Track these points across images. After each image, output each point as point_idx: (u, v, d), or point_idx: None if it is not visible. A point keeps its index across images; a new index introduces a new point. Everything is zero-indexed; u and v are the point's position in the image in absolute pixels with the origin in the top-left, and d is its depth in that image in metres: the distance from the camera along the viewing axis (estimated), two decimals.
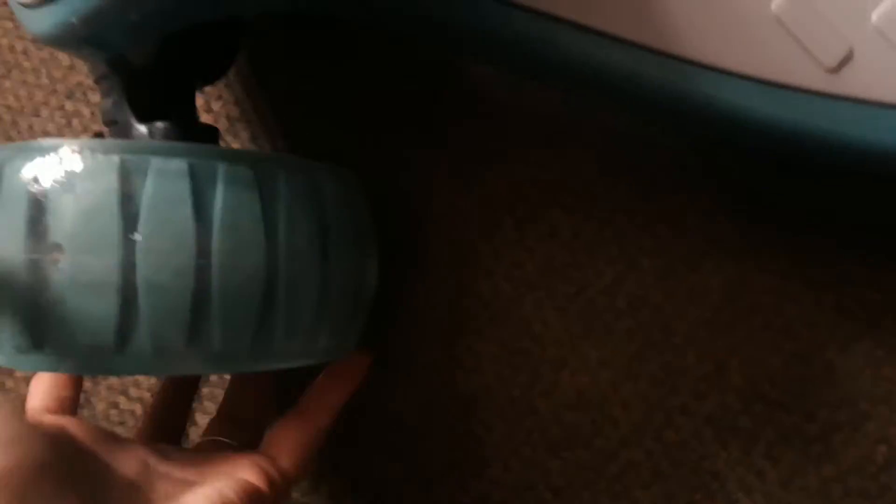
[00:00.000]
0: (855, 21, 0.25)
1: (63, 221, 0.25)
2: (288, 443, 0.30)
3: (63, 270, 0.25)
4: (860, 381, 0.34)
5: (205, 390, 0.39)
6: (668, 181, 0.36)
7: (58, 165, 0.26)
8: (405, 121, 0.37)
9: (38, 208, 0.25)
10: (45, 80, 0.40)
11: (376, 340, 0.36)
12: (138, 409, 0.39)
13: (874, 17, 0.25)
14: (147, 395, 0.39)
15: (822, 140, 0.26)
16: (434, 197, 0.37)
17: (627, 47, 0.26)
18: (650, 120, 0.33)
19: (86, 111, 0.40)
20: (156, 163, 0.26)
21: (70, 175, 0.25)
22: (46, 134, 0.40)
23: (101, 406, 0.39)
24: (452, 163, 0.37)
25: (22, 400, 0.31)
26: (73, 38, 0.26)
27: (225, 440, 0.32)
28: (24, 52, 0.40)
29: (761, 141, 0.28)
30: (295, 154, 0.38)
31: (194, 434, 0.38)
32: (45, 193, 0.25)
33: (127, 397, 0.39)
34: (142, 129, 0.29)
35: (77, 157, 0.26)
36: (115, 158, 0.25)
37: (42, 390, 0.31)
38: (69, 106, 0.40)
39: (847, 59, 0.26)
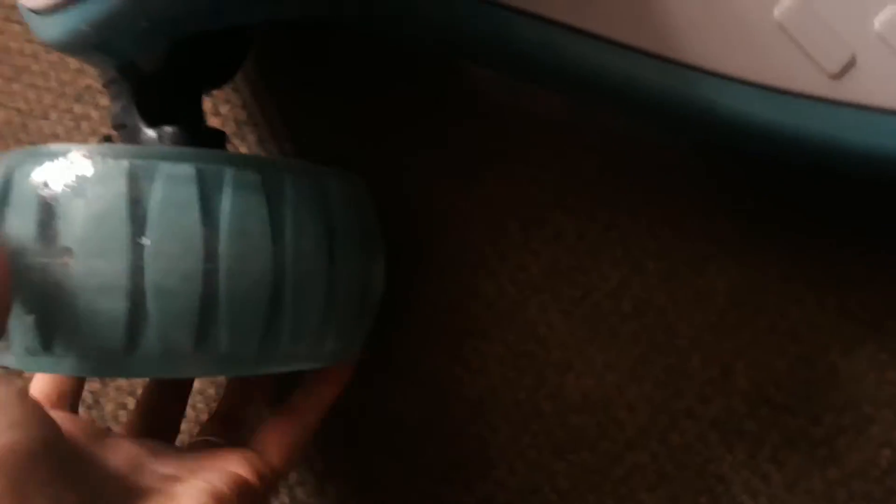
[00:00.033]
0: (857, 27, 0.26)
1: (73, 225, 0.26)
2: (276, 439, 0.31)
3: (72, 274, 0.25)
4: (864, 385, 0.34)
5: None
6: (672, 184, 0.36)
7: (67, 170, 0.26)
8: (408, 124, 0.37)
9: (48, 212, 0.26)
10: (54, 84, 0.41)
11: (381, 343, 0.37)
12: None
13: (876, 23, 0.26)
14: None
15: (825, 146, 0.27)
16: (438, 200, 0.37)
17: (630, 52, 0.27)
18: (653, 124, 0.33)
19: (94, 114, 0.40)
20: (164, 168, 0.26)
21: (80, 180, 0.26)
22: (55, 136, 0.41)
23: (109, 407, 0.40)
24: (457, 166, 0.37)
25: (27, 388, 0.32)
26: (83, 45, 0.26)
27: (216, 439, 0.32)
28: (34, 56, 0.41)
29: (764, 146, 0.28)
30: (302, 157, 0.38)
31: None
32: (54, 198, 0.26)
33: (135, 398, 0.39)
34: (150, 133, 0.29)
35: (87, 161, 0.26)
36: (125, 163, 0.26)
37: (45, 383, 0.32)
38: (78, 109, 0.40)
39: (850, 66, 0.26)
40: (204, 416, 0.39)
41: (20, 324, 0.26)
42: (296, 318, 0.28)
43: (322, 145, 0.38)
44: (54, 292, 0.26)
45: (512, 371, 0.37)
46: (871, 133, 0.26)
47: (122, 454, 0.28)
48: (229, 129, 0.39)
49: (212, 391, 0.39)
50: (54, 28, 0.27)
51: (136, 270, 0.25)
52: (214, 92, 0.38)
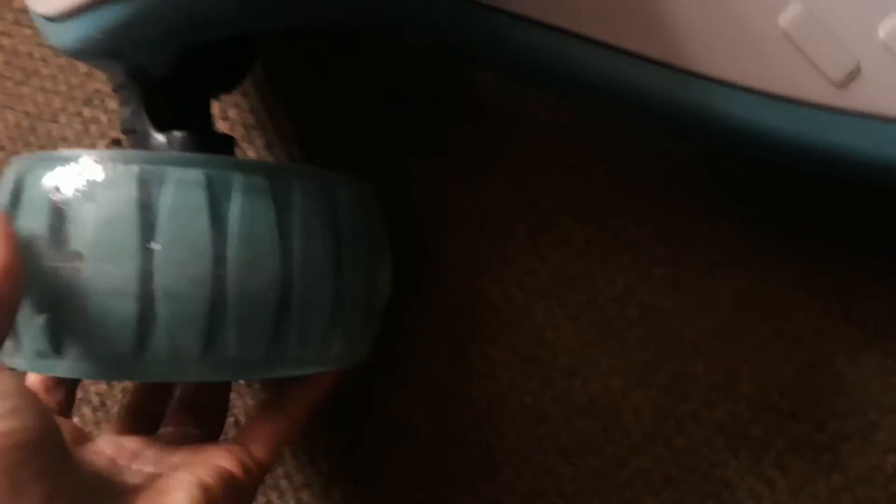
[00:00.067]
0: (862, 36, 0.26)
1: (83, 230, 0.26)
2: (263, 433, 0.31)
3: (82, 278, 0.26)
4: (869, 391, 0.35)
5: None
6: (678, 190, 0.36)
7: (78, 175, 0.27)
8: (416, 129, 0.38)
9: (58, 217, 0.26)
10: (63, 87, 0.41)
11: (388, 348, 0.37)
12: None
13: (881, 32, 0.26)
14: None
15: (830, 154, 0.27)
16: (445, 205, 0.38)
17: (636, 61, 0.27)
18: (659, 131, 0.34)
19: (103, 118, 0.41)
20: (173, 173, 0.26)
21: (90, 184, 0.26)
22: (64, 140, 0.41)
23: (115, 409, 0.40)
24: (464, 171, 0.38)
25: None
26: (95, 51, 0.27)
27: (192, 430, 0.33)
28: (43, 59, 0.41)
29: (769, 154, 0.28)
30: (309, 162, 0.39)
31: None
32: (65, 202, 0.26)
33: None
34: (160, 138, 0.30)
35: (97, 166, 0.27)
36: (135, 168, 0.26)
37: (32, 384, 0.32)
38: (87, 112, 0.41)
39: (854, 74, 0.26)
40: None
41: (30, 326, 0.27)
42: (303, 321, 0.28)
43: (330, 150, 0.39)
44: (64, 296, 0.26)
45: (518, 375, 0.37)
46: (875, 141, 0.26)
47: (104, 456, 0.29)
48: (238, 134, 0.39)
49: None
50: (66, 34, 0.27)
51: (146, 274, 0.26)
52: (223, 96, 0.39)
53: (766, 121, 0.27)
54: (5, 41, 0.41)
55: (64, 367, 0.27)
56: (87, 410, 0.40)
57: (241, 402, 0.39)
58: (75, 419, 0.40)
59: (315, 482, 0.39)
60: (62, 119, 0.41)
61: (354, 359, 0.32)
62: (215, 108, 0.39)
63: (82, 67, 0.41)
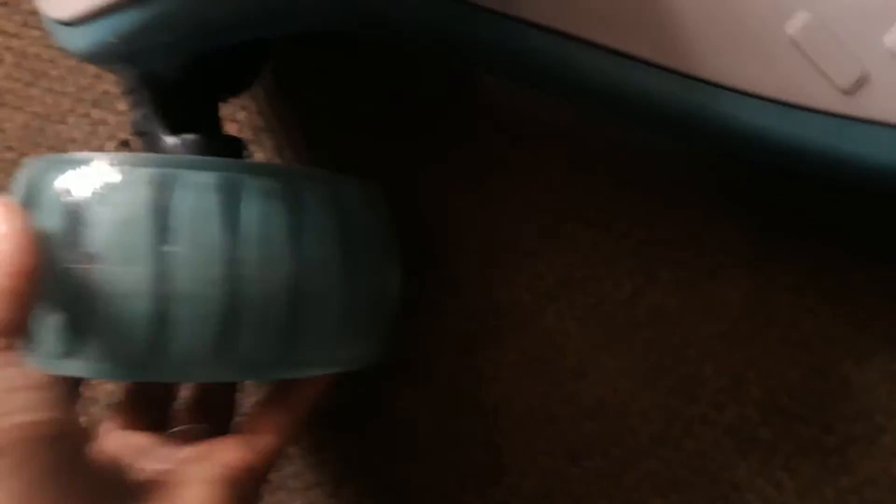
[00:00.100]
0: (869, 43, 0.26)
1: (98, 232, 0.27)
2: (270, 425, 0.31)
3: (97, 280, 0.26)
4: (876, 395, 0.35)
5: None
6: (685, 195, 0.37)
7: (92, 178, 0.27)
8: (424, 132, 0.38)
9: (73, 219, 0.27)
10: (71, 89, 0.42)
11: (397, 350, 0.38)
12: None
13: (886, 40, 0.26)
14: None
15: (837, 160, 0.27)
16: (453, 208, 0.38)
17: (644, 66, 0.28)
18: (667, 136, 0.34)
19: (112, 119, 0.41)
20: (186, 176, 0.27)
21: (104, 187, 0.27)
22: (72, 141, 0.42)
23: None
24: (473, 174, 0.38)
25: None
26: (109, 56, 0.28)
27: (199, 427, 0.33)
28: (51, 61, 0.42)
29: (776, 159, 0.29)
30: (318, 165, 0.39)
31: None
32: (80, 205, 0.27)
33: None
34: (171, 141, 0.30)
35: (111, 169, 0.27)
36: (148, 171, 0.27)
37: None
38: (95, 114, 0.42)
39: (862, 81, 0.27)
40: None
41: (44, 328, 0.27)
42: (315, 324, 0.29)
43: (336, 152, 0.39)
44: (78, 297, 0.27)
45: (526, 377, 0.38)
46: (882, 147, 0.27)
47: (110, 453, 0.29)
48: (246, 136, 0.39)
49: None
50: (81, 39, 0.28)
51: (160, 277, 0.26)
52: (233, 99, 0.39)
53: (773, 127, 0.27)
54: (14, 43, 0.42)
55: (77, 368, 0.28)
56: (95, 410, 0.41)
57: (248, 399, 0.39)
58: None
59: (323, 482, 0.40)
60: (70, 120, 0.42)
61: (366, 360, 0.32)
62: (224, 110, 0.39)
63: (91, 69, 0.41)
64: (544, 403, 0.38)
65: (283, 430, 0.31)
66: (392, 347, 0.34)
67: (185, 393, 0.36)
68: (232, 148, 0.32)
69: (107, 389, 0.41)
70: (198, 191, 0.27)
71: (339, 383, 0.33)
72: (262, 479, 0.30)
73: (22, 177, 0.29)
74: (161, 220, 0.27)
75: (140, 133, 0.31)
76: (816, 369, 0.36)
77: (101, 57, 0.28)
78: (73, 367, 0.28)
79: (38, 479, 0.24)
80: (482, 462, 0.38)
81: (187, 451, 0.30)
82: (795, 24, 0.27)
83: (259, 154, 0.40)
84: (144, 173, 0.27)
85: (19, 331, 0.26)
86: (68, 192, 0.27)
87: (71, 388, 0.32)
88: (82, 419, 0.38)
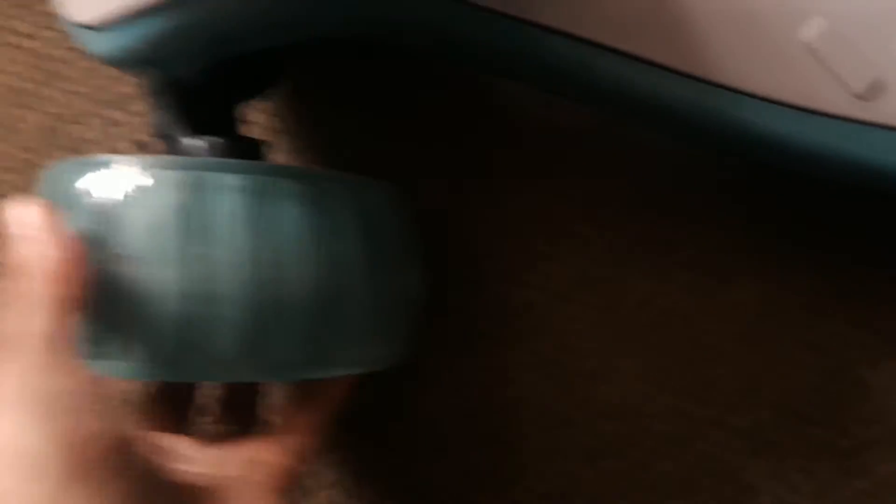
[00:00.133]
0: (883, 48, 0.27)
1: (128, 234, 0.27)
2: (301, 424, 0.32)
3: (127, 281, 0.27)
4: (892, 398, 0.36)
5: None
6: (700, 198, 0.37)
7: (122, 180, 0.28)
8: (438, 135, 0.39)
9: (103, 221, 0.28)
10: (86, 89, 0.42)
11: (414, 351, 0.38)
12: None
13: None
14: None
15: (852, 164, 0.28)
16: (467, 210, 0.39)
17: (661, 71, 0.28)
18: (682, 140, 0.35)
19: (127, 120, 0.42)
20: (217, 179, 0.28)
21: (133, 190, 0.28)
22: (87, 141, 0.42)
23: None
24: (486, 176, 0.39)
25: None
26: (135, 60, 0.28)
27: (230, 427, 0.34)
28: (66, 62, 0.43)
29: (792, 163, 0.29)
30: (333, 166, 0.40)
31: None
32: (107, 207, 0.28)
33: None
34: (193, 143, 0.31)
35: (141, 172, 0.28)
36: (178, 174, 0.28)
37: None
38: (110, 114, 0.42)
39: (876, 86, 0.27)
40: None
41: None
42: (342, 324, 0.29)
43: (352, 155, 0.40)
44: (109, 299, 0.27)
45: (541, 380, 0.38)
46: None
47: (145, 454, 0.30)
48: (263, 138, 0.40)
49: None
50: (106, 44, 0.28)
51: (190, 278, 0.27)
52: (252, 101, 0.40)
53: (788, 131, 0.28)
54: (30, 43, 0.43)
55: (107, 369, 0.28)
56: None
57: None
58: None
59: (343, 482, 0.40)
60: (86, 121, 0.42)
61: (390, 361, 0.33)
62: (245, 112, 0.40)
63: (106, 70, 0.42)
64: (559, 405, 0.38)
65: (315, 430, 0.32)
66: (414, 348, 0.35)
67: (207, 393, 0.37)
68: (252, 150, 0.33)
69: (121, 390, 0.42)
70: (228, 193, 0.28)
71: (359, 384, 0.34)
72: (298, 478, 0.31)
73: (46, 179, 0.30)
74: (191, 222, 0.27)
75: (161, 135, 0.32)
76: (831, 372, 0.36)
77: (127, 61, 0.29)
78: (101, 368, 0.28)
79: (125, 488, 0.25)
80: (500, 463, 0.39)
81: (228, 455, 0.31)
82: (811, 29, 0.27)
83: (275, 156, 0.40)
84: (175, 176, 0.28)
85: (72, 338, 0.27)
86: (98, 194, 0.28)
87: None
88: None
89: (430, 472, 0.39)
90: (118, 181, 0.28)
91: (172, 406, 0.35)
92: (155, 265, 0.27)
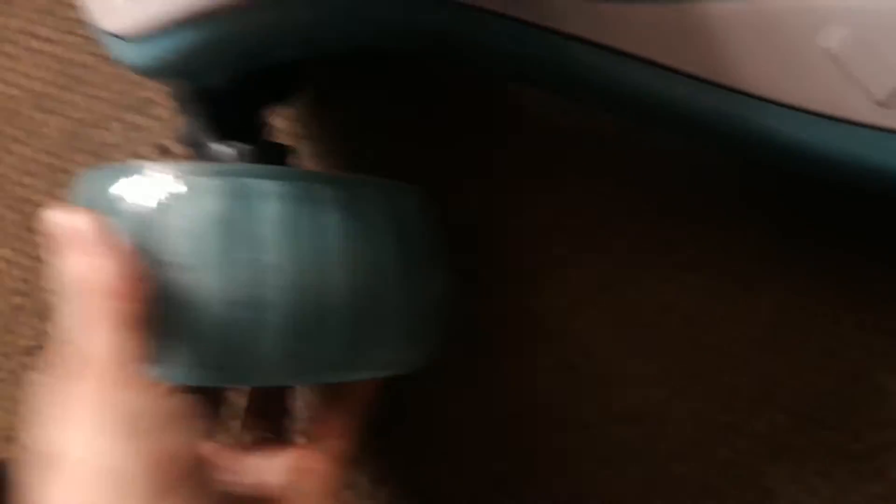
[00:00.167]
0: None
1: (168, 242, 0.28)
2: (337, 428, 0.33)
3: (170, 289, 0.28)
4: None
5: None
6: (718, 202, 0.38)
7: (160, 187, 0.29)
8: (456, 140, 0.40)
9: (139, 228, 0.28)
10: (110, 94, 0.43)
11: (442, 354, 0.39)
12: None
13: None
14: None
15: (872, 171, 0.28)
16: (484, 214, 0.40)
17: (685, 78, 0.29)
18: (704, 146, 0.35)
19: (150, 124, 0.43)
20: (254, 185, 0.28)
21: (173, 197, 0.28)
22: (111, 146, 0.43)
23: None
24: (506, 181, 0.39)
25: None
26: (168, 71, 0.29)
27: (264, 434, 0.35)
28: (91, 67, 0.44)
29: (814, 171, 0.30)
30: (355, 171, 0.41)
31: None
32: (146, 214, 0.28)
33: None
34: (222, 150, 0.32)
35: (175, 179, 0.29)
36: (217, 181, 0.28)
37: None
38: (134, 119, 0.43)
39: None
40: None
41: None
42: (379, 327, 0.30)
43: (373, 159, 0.41)
44: (153, 307, 0.28)
45: (559, 384, 0.39)
46: None
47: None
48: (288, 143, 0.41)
49: None
50: (139, 54, 0.29)
51: (233, 285, 0.28)
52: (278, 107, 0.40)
53: (810, 138, 0.29)
54: (55, 49, 0.44)
55: (152, 374, 0.29)
56: None
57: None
58: None
59: (361, 483, 0.41)
60: (109, 125, 0.43)
61: (422, 363, 0.34)
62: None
63: (128, 75, 0.42)
64: (577, 409, 0.39)
65: (350, 434, 0.33)
66: (444, 350, 0.35)
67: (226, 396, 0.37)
68: (280, 155, 0.34)
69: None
70: (270, 199, 0.29)
71: (383, 387, 0.35)
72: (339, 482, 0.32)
73: (82, 186, 0.31)
74: (235, 228, 0.28)
75: (189, 142, 0.33)
76: (849, 377, 0.37)
77: (158, 71, 0.29)
78: (149, 373, 0.29)
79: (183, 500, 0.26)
80: (515, 465, 0.40)
81: (272, 464, 0.31)
82: (832, 36, 0.28)
83: (300, 161, 0.41)
84: (217, 183, 0.29)
85: (142, 354, 0.27)
86: (138, 201, 0.29)
87: None
88: None
89: (447, 475, 0.40)
90: (159, 188, 0.29)
91: (205, 416, 0.36)
92: (200, 271, 0.28)
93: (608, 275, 0.39)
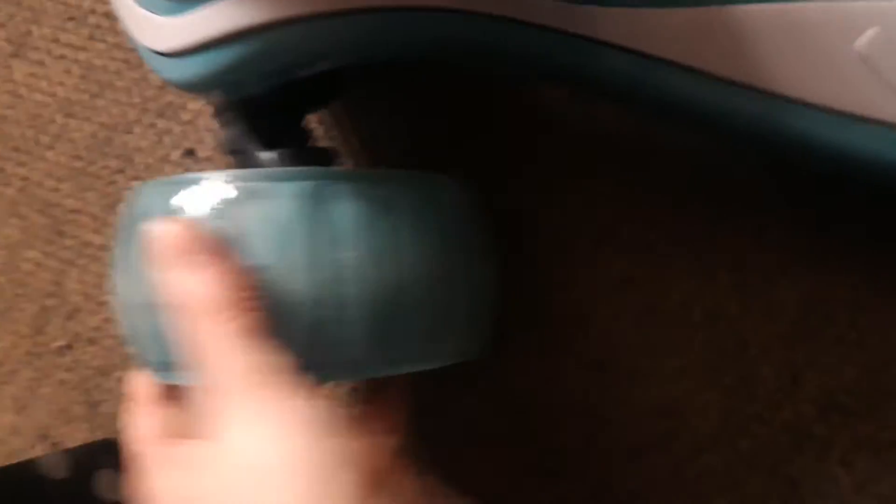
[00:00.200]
0: None
1: (251, 247, 0.29)
2: (387, 422, 0.33)
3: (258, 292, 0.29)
4: None
5: None
6: (744, 199, 0.39)
7: (210, 195, 0.30)
8: (483, 137, 0.41)
9: (224, 236, 0.29)
10: (136, 99, 0.44)
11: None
12: None
13: None
14: None
15: None
16: (512, 210, 0.40)
17: (716, 82, 0.30)
18: (735, 146, 0.36)
19: (176, 129, 0.44)
20: (329, 187, 0.30)
21: (223, 203, 0.30)
22: (139, 150, 0.44)
23: None
24: (530, 178, 0.40)
25: None
26: (210, 85, 0.30)
27: None
28: (117, 73, 0.44)
29: (848, 172, 0.31)
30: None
31: None
32: (228, 223, 0.29)
33: None
34: (266, 156, 0.33)
35: (228, 187, 0.30)
36: (293, 185, 0.30)
37: None
38: (160, 124, 0.44)
39: None
40: None
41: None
42: (449, 318, 0.32)
43: (405, 158, 0.42)
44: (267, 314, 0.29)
45: (585, 377, 0.40)
46: None
47: None
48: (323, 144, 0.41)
49: None
50: (182, 70, 0.30)
51: (318, 285, 0.29)
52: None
53: (843, 140, 0.29)
54: (81, 56, 0.45)
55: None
56: None
57: None
58: None
59: None
60: (136, 130, 0.44)
61: (472, 354, 0.35)
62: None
63: (155, 80, 0.44)
64: (603, 402, 0.40)
65: (400, 427, 0.34)
66: (493, 341, 0.36)
67: None
68: (323, 158, 0.35)
69: None
70: (347, 199, 0.30)
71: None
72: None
73: (140, 201, 0.32)
74: (317, 230, 0.29)
75: (231, 150, 0.34)
76: (873, 367, 0.38)
77: (200, 86, 0.31)
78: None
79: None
80: (542, 458, 0.41)
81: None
82: (865, 39, 0.28)
83: (340, 162, 0.41)
84: (294, 187, 0.30)
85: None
86: (193, 210, 0.30)
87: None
88: None
89: (468, 471, 0.40)
90: (208, 196, 0.30)
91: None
92: (284, 273, 0.29)
93: (633, 269, 0.40)
